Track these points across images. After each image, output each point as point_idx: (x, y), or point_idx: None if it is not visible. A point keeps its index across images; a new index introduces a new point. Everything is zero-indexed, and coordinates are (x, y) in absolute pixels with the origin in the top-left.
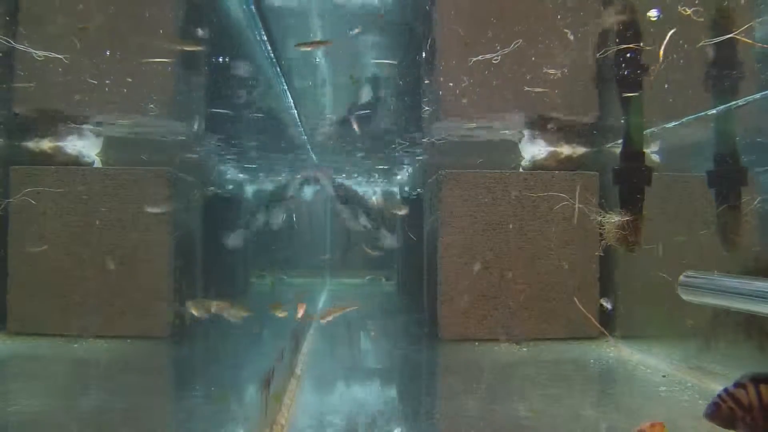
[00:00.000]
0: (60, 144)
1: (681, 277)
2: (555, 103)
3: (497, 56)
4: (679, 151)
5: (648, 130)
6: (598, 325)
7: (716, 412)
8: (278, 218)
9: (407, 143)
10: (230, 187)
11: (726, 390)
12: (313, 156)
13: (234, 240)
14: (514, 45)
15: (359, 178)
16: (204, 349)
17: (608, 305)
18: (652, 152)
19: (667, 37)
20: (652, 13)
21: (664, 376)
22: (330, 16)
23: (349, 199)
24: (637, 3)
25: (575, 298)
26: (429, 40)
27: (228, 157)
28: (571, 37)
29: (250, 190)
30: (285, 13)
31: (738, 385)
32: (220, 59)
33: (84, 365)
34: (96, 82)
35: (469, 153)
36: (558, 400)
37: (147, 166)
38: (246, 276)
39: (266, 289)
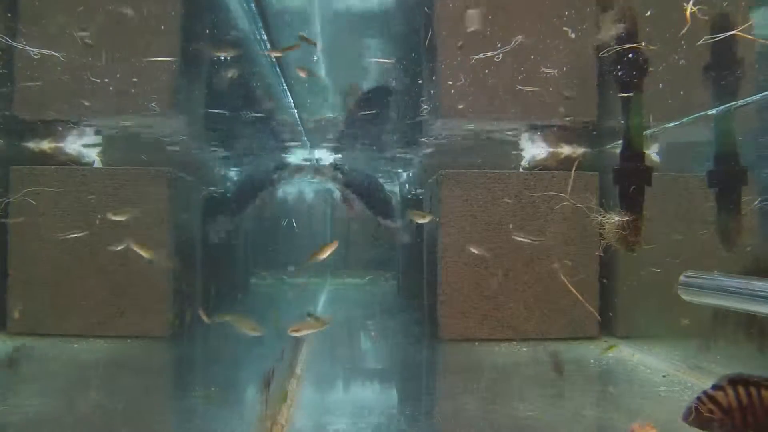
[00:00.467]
0: (60, 144)
1: (681, 277)
2: (555, 103)
3: (498, 54)
4: (679, 151)
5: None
6: (597, 314)
7: (695, 415)
8: (257, 208)
9: (407, 143)
10: (228, 185)
11: (705, 392)
12: (313, 156)
13: (218, 229)
14: (515, 42)
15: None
16: (204, 349)
17: None
18: (653, 152)
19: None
20: None
21: (664, 376)
22: (330, 16)
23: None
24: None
25: (573, 289)
26: (428, 39)
27: (228, 157)
28: (572, 35)
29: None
30: (285, 13)
31: (716, 387)
32: (221, 59)
33: (84, 365)
34: (98, 80)
35: (469, 153)
36: (558, 400)
37: (147, 166)
38: (246, 276)
39: (266, 290)
